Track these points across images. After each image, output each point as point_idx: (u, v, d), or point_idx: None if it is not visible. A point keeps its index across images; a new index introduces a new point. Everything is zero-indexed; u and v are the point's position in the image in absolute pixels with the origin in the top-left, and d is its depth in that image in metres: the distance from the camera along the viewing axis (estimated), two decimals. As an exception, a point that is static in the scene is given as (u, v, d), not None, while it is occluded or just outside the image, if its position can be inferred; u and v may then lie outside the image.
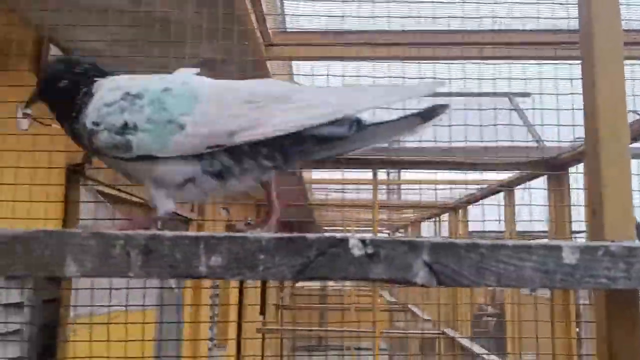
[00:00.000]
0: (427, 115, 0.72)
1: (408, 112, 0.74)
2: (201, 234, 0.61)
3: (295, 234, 0.60)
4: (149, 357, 2.59)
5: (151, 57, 1.75)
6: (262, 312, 6.92)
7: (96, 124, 0.73)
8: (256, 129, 0.70)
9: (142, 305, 2.27)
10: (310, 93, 0.76)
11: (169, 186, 0.74)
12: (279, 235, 0.60)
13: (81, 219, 2.49)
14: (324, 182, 5.23)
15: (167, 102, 0.72)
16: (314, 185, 6.07)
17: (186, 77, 0.79)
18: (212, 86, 0.76)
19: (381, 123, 0.74)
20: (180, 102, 0.72)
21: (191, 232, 0.65)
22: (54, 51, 2.34)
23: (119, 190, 2.81)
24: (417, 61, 2.54)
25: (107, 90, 0.75)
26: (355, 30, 2.50)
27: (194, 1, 1.88)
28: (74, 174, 2.55)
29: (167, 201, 0.74)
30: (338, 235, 0.59)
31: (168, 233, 0.60)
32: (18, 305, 2.39)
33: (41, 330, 2.49)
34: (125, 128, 0.72)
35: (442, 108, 0.72)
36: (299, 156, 0.77)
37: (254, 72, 2.35)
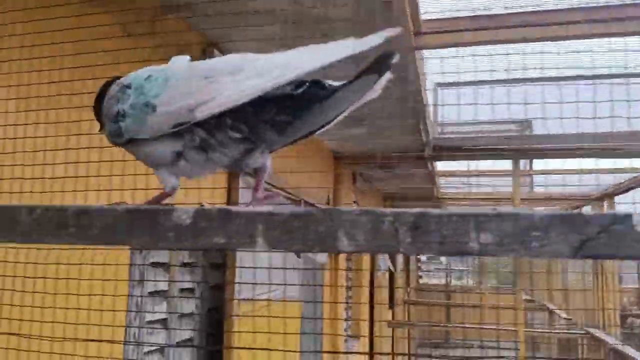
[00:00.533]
0: (379, 68, 0.69)
1: (359, 71, 0.69)
2: (469, 211, 0.61)
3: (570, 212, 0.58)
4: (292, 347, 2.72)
5: None
6: (391, 306, 6.93)
7: (105, 116, 0.81)
8: (211, 102, 0.71)
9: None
10: (263, 61, 0.74)
11: (164, 164, 0.78)
12: (551, 212, 0.60)
13: (240, 203, 2.67)
14: (458, 174, 5.08)
15: (146, 87, 0.77)
16: (443, 180, 5.93)
17: (171, 63, 0.81)
18: (184, 68, 0.79)
19: (337, 85, 0.72)
20: (155, 86, 0.76)
21: (456, 209, 0.66)
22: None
23: (285, 190, 2.97)
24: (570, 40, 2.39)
25: (114, 85, 0.81)
26: (506, 13, 2.40)
27: None
28: (233, 176, 2.74)
29: (170, 178, 0.80)
30: (620, 211, 0.57)
31: (434, 211, 0.62)
32: (190, 290, 2.63)
33: (209, 312, 2.72)
34: (117, 116, 0.78)
35: (390, 56, 0.68)
36: (265, 127, 0.76)
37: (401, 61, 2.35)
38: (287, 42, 2.20)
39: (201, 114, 0.72)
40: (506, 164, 4.71)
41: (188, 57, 0.82)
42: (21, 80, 1.36)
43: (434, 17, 2.36)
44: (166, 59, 1.66)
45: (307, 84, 0.72)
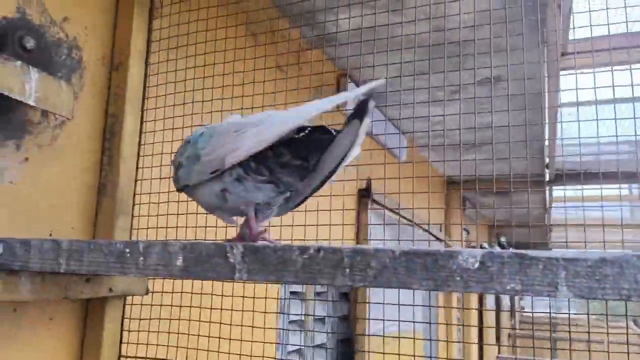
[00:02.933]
0: (360, 113, 0.77)
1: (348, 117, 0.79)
2: None
3: None
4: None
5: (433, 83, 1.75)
6: (497, 337, 6.60)
7: (174, 166, 0.95)
8: (236, 151, 0.83)
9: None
10: (278, 116, 0.85)
11: (216, 205, 0.90)
12: None
13: (370, 239, 2.66)
14: (574, 199, 4.77)
15: (198, 141, 0.89)
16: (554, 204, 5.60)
17: (225, 120, 0.96)
18: (224, 124, 0.91)
19: (337, 130, 0.82)
20: (203, 140, 0.89)
21: None
22: (351, 88, 2.55)
23: (398, 213, 2.93)
24: None
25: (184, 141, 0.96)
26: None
27: (492, 17, 1.85)
28: (363, 199, 2.73)
29: (224, 215, 0.94)
30: None
31: None
32: (322, 321, 2.63)
33: (340, 343, 2.69)
34: (178, 166, 0.92)
35: (369, 102, 0.77)
36: (283, 170, 0.87)
37: (542, 85, 2.25)
38: (422, 68, 2.16)
39: (229, 160, 0.84)
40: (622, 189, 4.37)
41: (239, 115, 0.98)
42: (177, 113, 1.41)
43: (581, 37, 2.24)
44: (309, 88, 1.66)
45: (310, 128, 0.82)
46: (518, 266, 0.63)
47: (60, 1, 1.19)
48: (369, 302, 2.52)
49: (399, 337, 1.87)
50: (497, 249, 0.66)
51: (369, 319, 2.48)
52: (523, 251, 0.64)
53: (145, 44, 1.34)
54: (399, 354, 2.16)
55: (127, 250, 0.82)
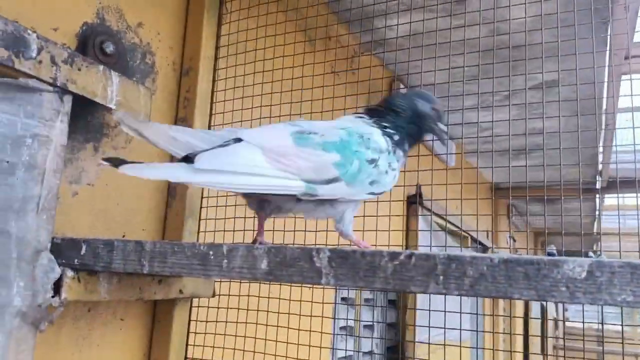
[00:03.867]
0: None
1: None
2: None
3: None
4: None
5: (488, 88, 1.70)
6: (542, 347, 6.41)
7: None
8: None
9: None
10: None
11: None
12: None
13: (420, 245, 2.62)
14: (626, 207, 4.61)
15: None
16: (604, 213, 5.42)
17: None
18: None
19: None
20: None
21: None
22: (401, 88, 2.53)
23: (446, 220, 2.88)
24: None
25: None
26: None
27: (551, 20, 1.80)
28: (412, 205, 2.70)
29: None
30: None
31: None
32: (370, 327, 2.60)
33: (388, 350, 2.66)
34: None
35: None
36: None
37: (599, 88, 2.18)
38: (474, 72, 2.10)
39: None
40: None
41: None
42: (243, 117, 1.41)
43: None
44: (362, 94, 1.64)
45: None
46: (630, 276, 0.60)
47: (136, 7, 1.22)
48: (415, 309, 2.48)
49: (444, 345, 1.82)
50: (603, 258, 0.63)
51: (415, 326, 2.44)
52: (635, 261, 0.60)
53: (213, 49, 1.36)
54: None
55: (211, 252, 0.82)
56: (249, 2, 1.47)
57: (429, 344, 1.91)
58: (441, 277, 0.68)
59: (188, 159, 0.78)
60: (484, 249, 4.06)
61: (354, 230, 1.51)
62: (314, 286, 1.24)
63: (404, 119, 0.96)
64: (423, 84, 2.41)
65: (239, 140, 0.82)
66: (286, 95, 1.48)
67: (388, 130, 0.93)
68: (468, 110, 1.48)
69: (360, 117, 0.95)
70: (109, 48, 1.10)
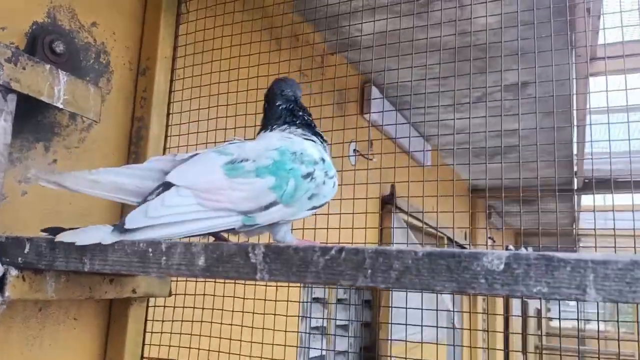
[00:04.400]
0: None
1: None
2: None
3: None
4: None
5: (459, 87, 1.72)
6: (523, 345, 6.46)
7: None
8: None
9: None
10: None
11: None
12: None
13: (395, 243, 2.64)
14: (603, 208, 4.68)
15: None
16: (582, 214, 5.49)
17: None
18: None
19: None
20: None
21: None
22: (375, 92, 2.55)
23: (417, 219, 2.91)
24: None
25: None
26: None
27: (522, 22, 1.82)
28: (386, 204, 2.72)
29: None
30: None
31: None
32: (344, 328, 2.61)
33: (363, 350, 2.67)
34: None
35: None
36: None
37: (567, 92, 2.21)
38: (445, 74, 2.13)
39: None
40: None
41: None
42: (202, 117, 1.42)
43: (611, 41, 2.19)
44: (330, 91, 1.65)
45: None
46: (545, 268, 0.62)
47: (89, 6, 1.22)
48: (391, 307, 2.49)
49: (421, 343, 1.84)
50: (524, 251, 0.65)
51: (391, 324, 2.45)
52: (550, 253, 0.62)
53: (171, 49, 1.36)
54: (420, 360, 2.11)
55: (150, 250, 0.83)
56: (207, 2, 1.48)
57: (405, 341, 1.93)
58: (369, 271, 0.69)
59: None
60: (461, 248, 4.09)
61: (331, 228, 1.52)
62: (249, 281, 1.24)
63: (302, 111, 0.97)
64: (391, 82, 2.41)
65: (167, 184, 0.82)
66: (251, 94, 1.49)
67: (311, 136, 0.94)
68: (442, 109, 1.49)
69: (284, 130, 0.95)
70: (59, 47, 1.09)
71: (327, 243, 1.90)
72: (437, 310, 1.92)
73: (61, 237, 0.80)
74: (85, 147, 1.19)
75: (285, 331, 1.48)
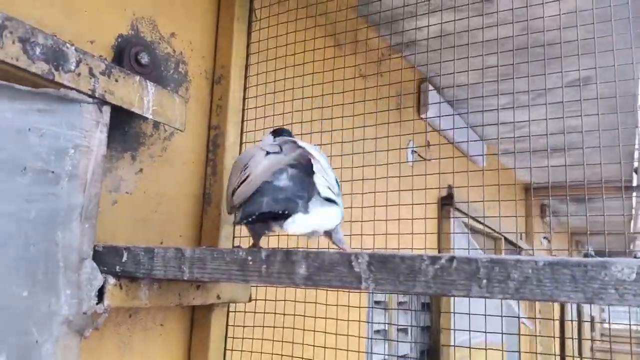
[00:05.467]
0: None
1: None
2: None
3: None
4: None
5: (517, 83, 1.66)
6: (579, 350, 6.25)
7: None
8: None
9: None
10: None
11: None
12: None
13: (453, 249, 2.59)
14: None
15: None
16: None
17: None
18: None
19: None
20: None
21: None
22: (432, 93, 2.51)
23: (478, 222, 2.85)
24: None
25: None
26: None
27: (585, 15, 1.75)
28: (445, 207, 2.67)
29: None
30: None
31: None
32: (405, 331, 2.58)
33: (422, 354, 2.63)
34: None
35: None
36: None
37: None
38: (505, 71, 2.06)
39: None
40: None
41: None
42: (276, 123, 1.42)
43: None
44: (390, 97, 1.62)
45: None
46: (684, 278, 0.58)
47: (169, 17, 1.24)
48: (453, 312, 2.44)
49: (485, 349, 1.79)
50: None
51: (454, 330, 2.40)
52: (687, 262, 0.58)
53: (244, 57, 1.37)
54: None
55: (250, 258, 0.83)
56: (278, 9, 1.49)
57: (469, 347, 1.89)
58: (484, 281, 0.67)
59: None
60: (519, 250, 3.98)
61: (389, 234, 1.50)
62: (351, 290, 1.24)
63: None
64: (452, 85, 2.37)
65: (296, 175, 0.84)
66: (316, 100, 1.48)
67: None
68: (501, 109, 1.46)
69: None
70: (144, 59, 1.12)
71: (386, 249, 1.89)
72: (501, 316, 1.87)
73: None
74: (167, 155, 1.21)
75: (358, 336, 1.47)
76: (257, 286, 1.33)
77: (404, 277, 0.72)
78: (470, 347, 1.92)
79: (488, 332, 1.63)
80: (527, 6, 1.51)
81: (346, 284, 0.76)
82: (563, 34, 1.40)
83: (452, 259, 0.69)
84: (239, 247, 1.06)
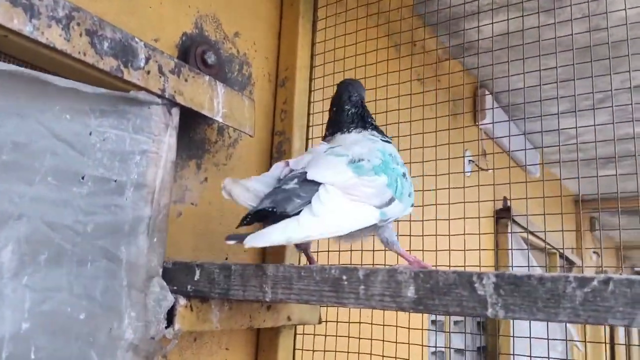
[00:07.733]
0: None
1: None
2: None
3: None
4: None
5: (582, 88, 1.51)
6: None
7: None
8: None
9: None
10: None
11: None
12: None
13: (512, 266, 2.43)
14: None
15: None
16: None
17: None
18: None
19: None
20: None
21: None
22: (488, 99, 2.38)
23: (536, 236, 2.68)
24: None
25: None
26: None
27: None
28: (501, 219, 2.52)
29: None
30: None
31: None
32: (460, 352, 2.43)
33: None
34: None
35: None
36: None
37: None
38: (566, 75, 1.91)
39: None
40: None
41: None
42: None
43: None
44: (446, 101, 1.51)
45: None
46: None
47: (233, 16, 1.15)
48: (513, 336, 2.29)
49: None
50: None
51: (513, 355, 2.25)
52: None
53: (309, 58, 1.28)
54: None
55: (344, 277, 0.72)
56: (335, 9, 1.39)
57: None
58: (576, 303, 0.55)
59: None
60: (571, 266, 3.78)
61: (439, 250, 1.38)
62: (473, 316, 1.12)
63: (369, 115, 0.98)
64: (504, 87, 2.22)
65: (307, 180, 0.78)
66: (380, 104, 1.39)
67: (386, 138, 0.94)
68: (551, 117, 1.34)
69: (360, 133, 0.94)
70: (211, 58, 1.03)
71: (436, 266, 1.74)
72: (566, 340, 1.72)
73: (249, 242, 0.73)
74: (231, 164, 1.12)
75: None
76: (327, 306, 1.22)
77: (543, 303, 0.60)
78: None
79: (551, 358, 1.48)
80: (606, 12, 1.37)
81: (467, 310, 0.64)
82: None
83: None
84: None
